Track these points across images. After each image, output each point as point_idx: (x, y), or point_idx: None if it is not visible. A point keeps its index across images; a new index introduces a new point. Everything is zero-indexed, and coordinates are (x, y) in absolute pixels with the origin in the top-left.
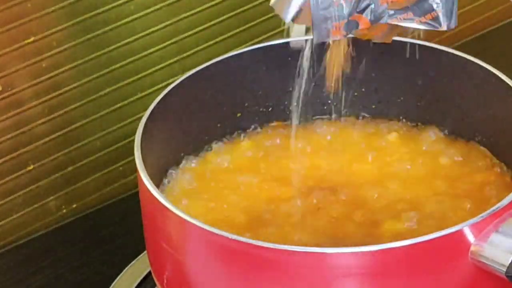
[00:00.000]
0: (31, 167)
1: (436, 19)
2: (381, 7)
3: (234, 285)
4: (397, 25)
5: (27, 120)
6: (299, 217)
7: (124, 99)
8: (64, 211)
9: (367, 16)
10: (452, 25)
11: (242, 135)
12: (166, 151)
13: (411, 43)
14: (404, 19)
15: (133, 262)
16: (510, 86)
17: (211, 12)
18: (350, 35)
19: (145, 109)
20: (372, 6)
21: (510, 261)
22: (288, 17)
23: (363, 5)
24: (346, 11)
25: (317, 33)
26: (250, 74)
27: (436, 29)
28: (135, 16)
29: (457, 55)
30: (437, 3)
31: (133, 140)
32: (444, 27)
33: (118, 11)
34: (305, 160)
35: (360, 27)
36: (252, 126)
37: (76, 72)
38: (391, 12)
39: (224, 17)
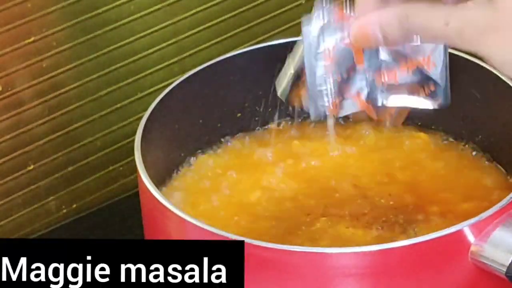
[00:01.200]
0: (31, 167)
1: (432, 95)
2: (376, 89)
3: None
4: (400, 108)
5: (27, 120)
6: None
7: (124, 99)
8: (64, 211)
9: (363, 97)
10: (448, 102)
11: (242, 135)
12: (166, 151)
13: None
14: (401, 98)
15: None
16: (510, 86)
17: (211, 12)
18: (350, 114)
19: (145, 109)
20: (365, 86)
21: (510, 261)
22: (279, 93)
23: (357, 86)
24: (336, 88)
25: (313, 110)
26: (250, 74)
27: (431, 107)
28: (135, 16)
29: (457, 55)
30: (433, 79)
31: (133, 140)
32: (441, 103)
33: (118, 11)
34: (306, 159)
35: (358, 108)
36: (252, 126)
37: (76, 72)
38: (387, 93)
39: (224, 17)
